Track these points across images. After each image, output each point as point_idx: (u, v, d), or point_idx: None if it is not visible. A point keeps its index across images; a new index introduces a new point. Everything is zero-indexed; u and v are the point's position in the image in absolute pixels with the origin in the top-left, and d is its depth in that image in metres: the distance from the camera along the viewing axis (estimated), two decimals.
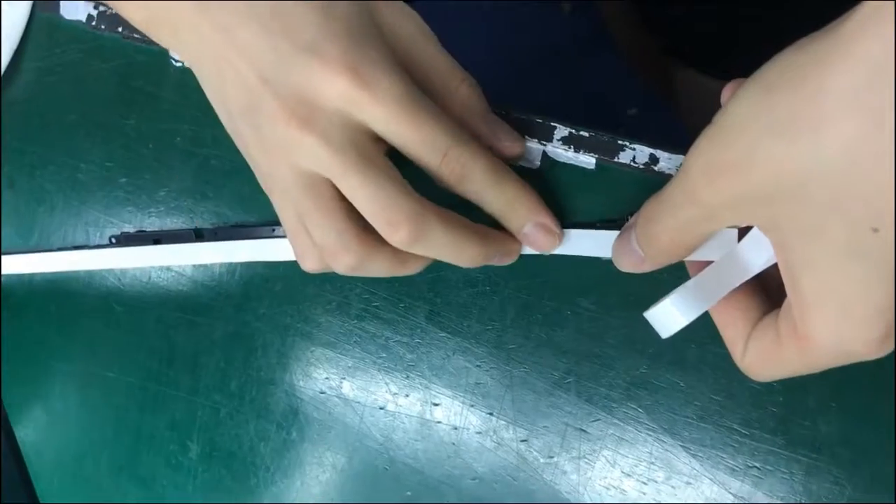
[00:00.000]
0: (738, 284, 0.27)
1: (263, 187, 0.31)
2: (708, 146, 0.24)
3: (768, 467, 0.32)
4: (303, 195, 0.29)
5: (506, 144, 0.32)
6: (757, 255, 0.27)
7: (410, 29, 0.30)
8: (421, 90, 0.29)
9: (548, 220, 0.32)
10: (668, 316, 0.28)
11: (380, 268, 0.31)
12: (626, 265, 0.29)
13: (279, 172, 0.29)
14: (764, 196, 0.23)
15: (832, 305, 0.23)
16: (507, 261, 0.33)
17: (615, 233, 0.31)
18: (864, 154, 0.20)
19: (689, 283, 0.27)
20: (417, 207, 0.29)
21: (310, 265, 0.31)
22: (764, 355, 0.27)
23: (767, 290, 0.29)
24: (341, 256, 0.30)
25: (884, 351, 0.24)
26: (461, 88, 0.31)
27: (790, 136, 0.21)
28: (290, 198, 0.29)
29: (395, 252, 0.30)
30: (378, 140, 0.29)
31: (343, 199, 0.29)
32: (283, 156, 0.28)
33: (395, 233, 0.28)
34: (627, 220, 0.32)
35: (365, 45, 0.28)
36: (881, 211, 0.21)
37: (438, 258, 0.31)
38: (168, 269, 0.39)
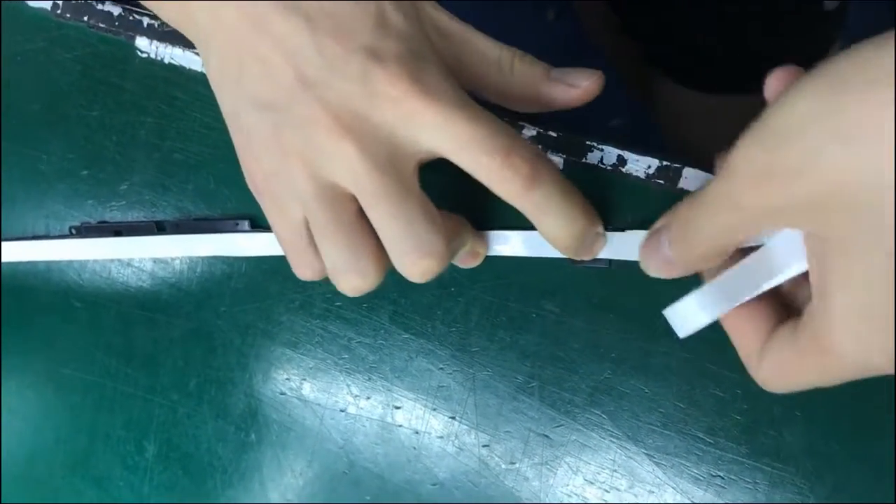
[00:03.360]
0: (765, 286, 0.26)
1: (254, 186, 0.29)
2: (757, 147, 0.22)
3: (732, 476, 0.31)
4: (321, 207, 0.27)
5: (586, 84, 0.29)
6: (789, 257, 0.25)
7: (453, 26, 0.28)
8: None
9: (601, 227, 0.30)
10: (691, 314, 0.26)
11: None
12: (655, 269, 0.28)
13: (292, 177, 0.27)
14: (815, 206, 0.21)
15: (860, 312, 0.22)
16: (473, 263, 0.32)
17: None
18: None
19: (714, 282, 0.26)
20: (443, 247, 0.27)
21: (308, 275, 0.29)
22: (782, 367, 0.25)
23: (782, 300, 0.27)
24: (352, 279, 0.28)
25: None
26: (517, 64, 0.29)
27: (859, 142, 0.19)
28: (303, 206, 0.27)
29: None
30: (417, 170, 0.27)
31: (363, 216, 0.27)
32: (303, 161, 0.26)
33: (415, 271, 0.27)
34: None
35: (419, 50, 0.26)
36: None
37: None
38: (128, 264, 0.38)
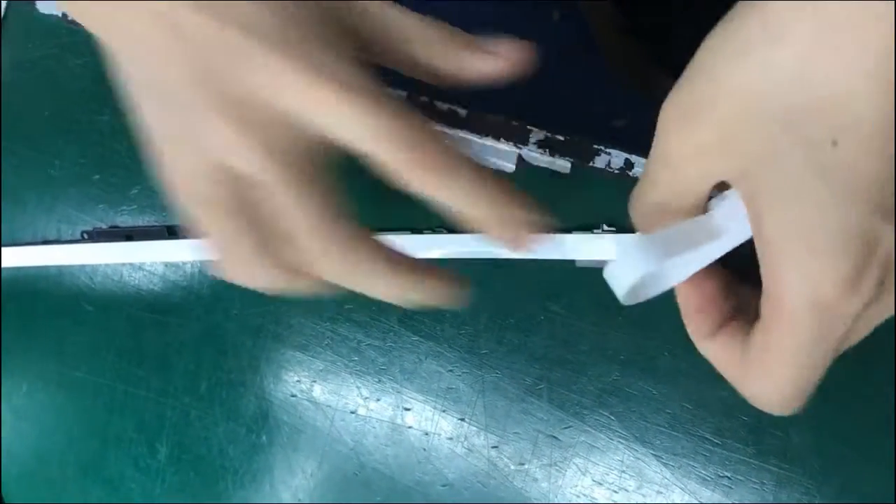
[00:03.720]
0: (707, 249, 0.25)
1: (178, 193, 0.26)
2: (676, 94, 0.22)
3: (739, 477, 0.31)
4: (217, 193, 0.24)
5: (507, 53, 0.27)
6: (729, 218, 0.24)
7: (369, 2, 0.26)
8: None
9: (533, 213, 0.27)
10: (622, 271, 0.25)
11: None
12: None
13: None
14: (727, 136, 0.21)
15: (796, 241, 0.21)
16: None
17: (589, 236, 0.31)
18: (818, 61, 0.19)
19: (647, 236, 0.25)
20: (352, 234, 0.25)
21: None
22: (732, 352, 0.25)
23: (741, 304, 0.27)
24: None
25: (856, 299, 0.21)
26: (439, 36, 0.27)
27: (746, 54, 0.20)
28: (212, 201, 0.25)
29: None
30: (323, 154, 0.25)
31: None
32: (198, 149, 0.24)
33: (326, 262, 0.25)
34: (602, 226, 0.32)
35: (320, 30, 0.24)
36: (839, 121, 0.19)
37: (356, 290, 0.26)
38: (140, 267, 0.39)
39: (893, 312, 0.23)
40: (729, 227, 0.24)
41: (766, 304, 0.23)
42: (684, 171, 0.23)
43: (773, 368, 0.24)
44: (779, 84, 0.20)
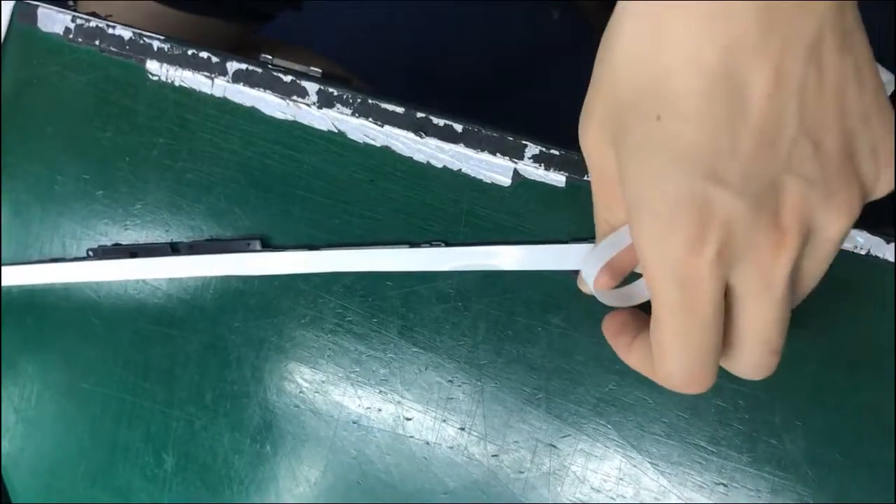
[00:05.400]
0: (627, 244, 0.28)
1: None
2: (584, 104, 0.26)
3: (735, 484, 0.32)
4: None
5: None
6: None
7: None
8: None
9: None
10: (584, 275, 0.30)
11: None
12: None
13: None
14: (608, 119, 0.24)
15: (644, 208, 0.23)
16: None
17: (585, 246, 0.32)
18: (643, 43, 0.22)
19: (590, 246, 0.29)
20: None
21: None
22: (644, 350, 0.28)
23: None
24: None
25: (704, 257, 0.22)
26: None
27: (608, 49, 0.24)
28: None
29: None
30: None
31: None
32: None
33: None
34: None
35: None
36: (662, 97, 0.22)
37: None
38: (144, 282, 0.39)
39: (768, 284, 0.24)
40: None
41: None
42: (600, 169, 0.26)
43: (663, 349, 0.25)
44: (623, 70, 0.23)
